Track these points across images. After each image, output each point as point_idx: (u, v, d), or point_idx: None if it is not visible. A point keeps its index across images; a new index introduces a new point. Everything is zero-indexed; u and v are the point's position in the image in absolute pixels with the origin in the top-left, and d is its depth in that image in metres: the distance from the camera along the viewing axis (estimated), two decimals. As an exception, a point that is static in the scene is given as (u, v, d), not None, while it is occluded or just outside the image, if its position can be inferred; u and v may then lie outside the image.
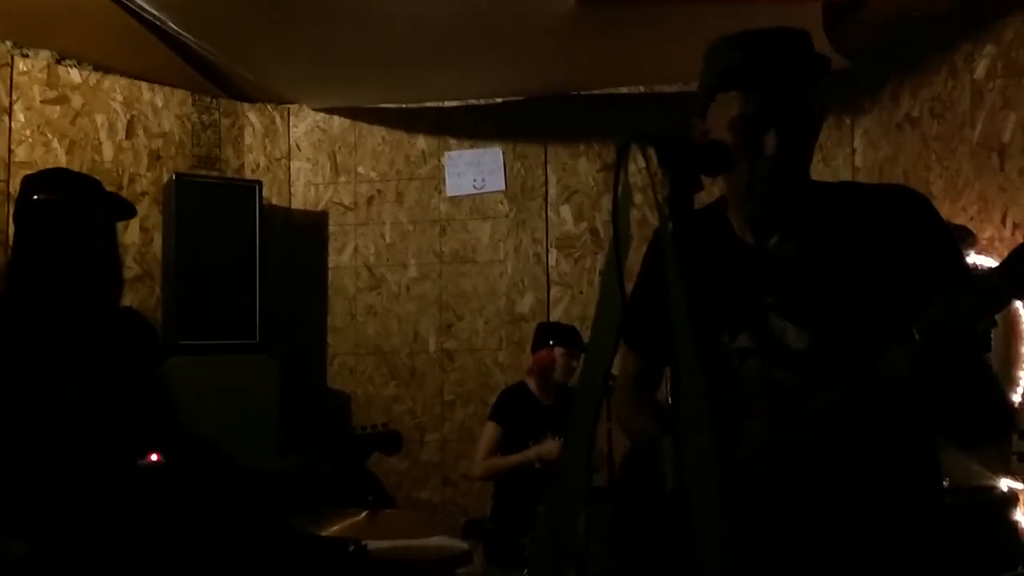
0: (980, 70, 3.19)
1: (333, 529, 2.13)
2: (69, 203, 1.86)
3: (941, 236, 1.31)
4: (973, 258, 2.81)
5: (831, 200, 1.36)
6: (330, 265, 4.62)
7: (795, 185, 1.32)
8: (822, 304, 1.30)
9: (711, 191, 1.26)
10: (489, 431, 3.57)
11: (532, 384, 3.64)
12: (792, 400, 1.28)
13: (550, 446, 3.32)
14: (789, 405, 1.28)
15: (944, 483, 1.92)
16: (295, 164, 4.66)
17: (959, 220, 3.13)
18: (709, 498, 0.94)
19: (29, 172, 3.74)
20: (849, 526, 1.26)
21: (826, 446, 1.25)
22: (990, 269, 1.12)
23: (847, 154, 4.08)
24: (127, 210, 2.05)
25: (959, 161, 3.29)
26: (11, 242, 1.96)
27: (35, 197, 1.86)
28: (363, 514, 2.20)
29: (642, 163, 1.04)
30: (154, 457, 2.03)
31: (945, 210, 3.28)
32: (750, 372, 1.35)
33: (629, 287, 1.25)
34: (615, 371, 1.36)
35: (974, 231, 2.99)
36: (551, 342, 3.61)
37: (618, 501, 1.48)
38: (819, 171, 4.16)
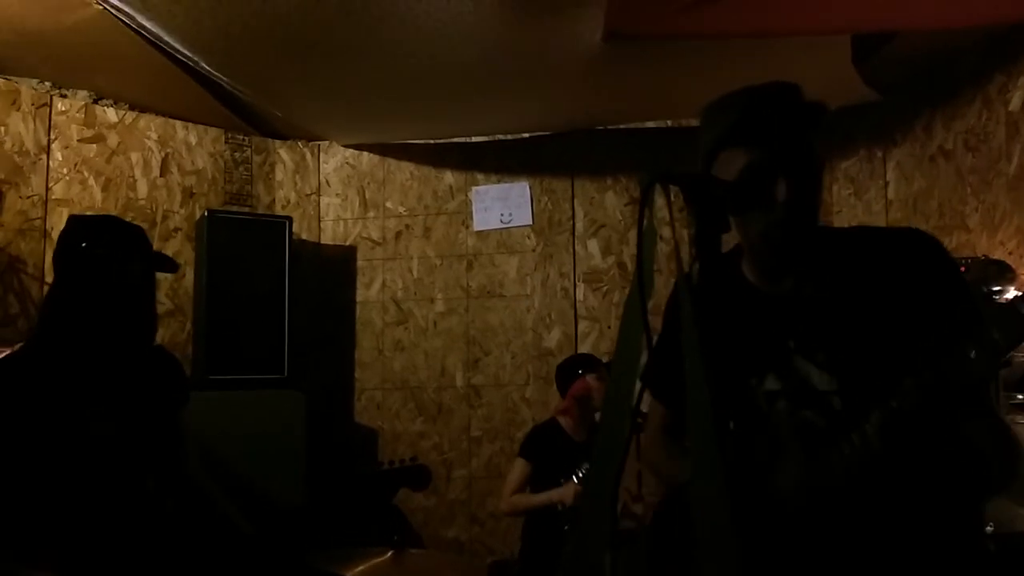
0: (1015, 102, 3.13)
1: (357, 569, 2.10)
2: (114, 259, 1.88)
3: (951, 279, 1.34)
4: (1013, 294, 2.73)
5: (843, 245, 1.40)
6: (358, 300, 4.64)
7: (807, 230, 1.35)
8: (840, 347, 1.33)
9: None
10: (518, 467, 3.52)
11: (565, 423, 3.58)
12: (823, 440, 1.29)
13: (569, 488, 3.26)
14: (821, 445, 1.29)
15: (988, 528, 1.86)
16: (324, 200, 4.71)
17: (997, 255, 3.05)
18: (721, 541, 0.92)
19: (65, 210, 3.83)
20: (886, 569, 1.24)
21: (863, 488, 1.24)
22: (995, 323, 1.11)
23: (880, 187, 4.02)
24: (170, 267, 2.08)
25: (996, 194, 3.23)
26: (49, 277, 1.99)
27: (83, 245, 1.88)
28: (388, 554, 2.17)
29: (672, 199, 1.04)
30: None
31: (983, 245, 3.20)
32: (781, 413, 1.37)
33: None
34: (644, 409, 1.37)
35: (1013, 266, 2.91)
36: (580, 371, 3.57)
37: (652, 546, 1.46)
38: (851, 204, 4.13)
